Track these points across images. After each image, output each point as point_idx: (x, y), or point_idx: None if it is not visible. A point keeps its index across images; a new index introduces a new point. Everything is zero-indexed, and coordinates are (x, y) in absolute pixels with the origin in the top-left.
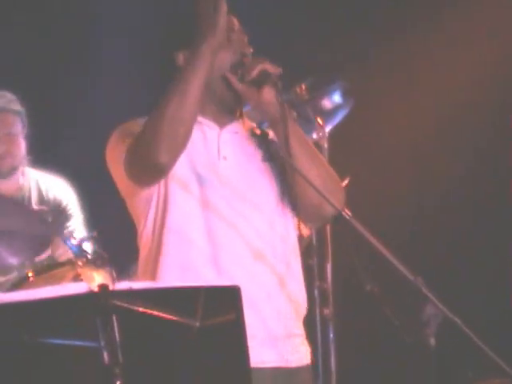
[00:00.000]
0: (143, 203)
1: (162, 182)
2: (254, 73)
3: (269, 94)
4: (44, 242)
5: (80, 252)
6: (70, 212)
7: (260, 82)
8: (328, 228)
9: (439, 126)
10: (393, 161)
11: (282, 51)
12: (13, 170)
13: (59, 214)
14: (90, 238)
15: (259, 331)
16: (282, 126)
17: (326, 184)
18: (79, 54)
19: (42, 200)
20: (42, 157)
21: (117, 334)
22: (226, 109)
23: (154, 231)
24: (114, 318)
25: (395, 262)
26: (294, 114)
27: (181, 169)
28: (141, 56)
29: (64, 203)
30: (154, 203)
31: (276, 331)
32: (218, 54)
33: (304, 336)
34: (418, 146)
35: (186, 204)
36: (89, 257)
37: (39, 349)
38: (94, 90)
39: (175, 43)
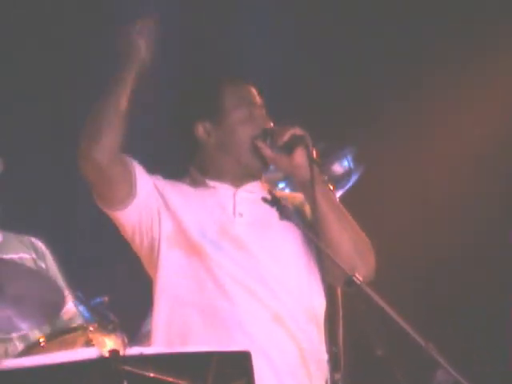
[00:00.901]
0: (145, 252)
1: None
2: (285, 137)
3: (300, 156)
4: (56, 308)
5: (91, 317)
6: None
7: (291, 145)
8: (339, 292)
9: (452, 189)
10: (404, 225)
11: (294, 115)
12: None
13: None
14: (100, 303)
15: None
16: (312, 189)
17: (357, 247)
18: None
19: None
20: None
21: None
22: (249, 175)
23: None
24: (125, 383)
25: (406, 327)
26: (325, 177)
27: (190, 235)
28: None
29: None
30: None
31: None
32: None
33: None
34: (430, 211)
35: (192, 268)
36: (100, 322)
37: None
38: None
39: (194, 114)
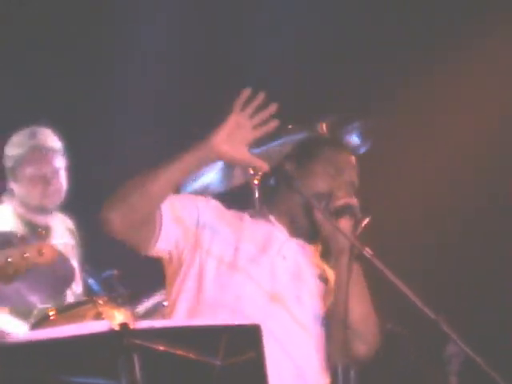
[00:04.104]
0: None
1: (199, 258)
2: (340, 203)
3: (345, 224)
4: (66, 281)
5: (101, 290)
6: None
7: (341, 212)
8: None
9: (458, 166)
10: (412, 199)
11: (307, 88)
12: (56, 206)
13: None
14: (110, 277)
15: None
16: (347, 258)
17: (365, 323)
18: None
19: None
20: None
21: (138, 373)
22: (297, 232)
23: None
24: (135, 356)
25: (417, 300)
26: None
27: (226, 252)
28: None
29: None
30: (187, 276)
31: None
32: (202, 165)
33: None
34: (437, 185)
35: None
36: (110, 295)
37: None
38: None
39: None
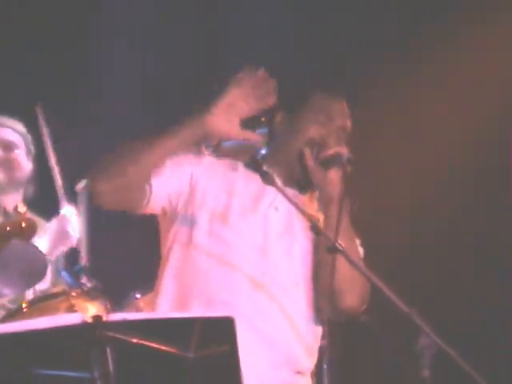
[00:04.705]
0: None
1: (191, 210)
2: (329, 152)
3: (335, 175)
4: (39, 274)
5: (74, 283)
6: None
7: (331, 162)
8: None
9: (440, 151)
10: (390, 189)
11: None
12: (12, 185)
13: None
14: (83, 269)
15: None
16: (336, 209)
17: (353, 277)
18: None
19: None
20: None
21: (111, 365)
22: (292, 179)
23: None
24: (108, 349)
25: (390, 293)
26: (352, 203)
27: (216, 200)
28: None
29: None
30: (180, 228)
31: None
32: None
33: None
34: (418, 174)
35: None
36: (83, 288)
37: (33, 380)
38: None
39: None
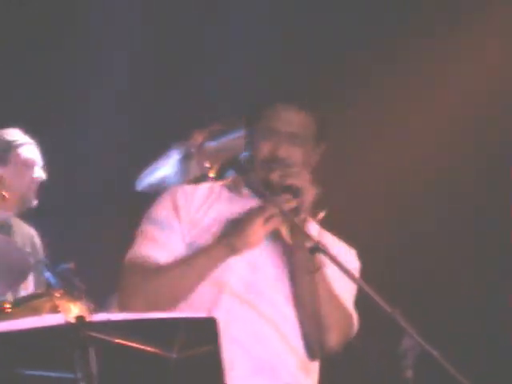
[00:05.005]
0: None
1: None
2: (278, 182)
3: (287, 206)
4: (22, 273)
5: (57, 283)
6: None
7: (283, 191)
8: None
9: (420, 159)
10: (371, 194)
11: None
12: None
13: (33, 245)
14: (67, 270)
15: None
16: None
17: (335, 316)
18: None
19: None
20: None
21: (94, 366)
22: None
23: None
24: (91, 349)
25: (373, 293)
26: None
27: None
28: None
29: (35, 235)
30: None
31: None
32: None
33: None
34: (397, 181)
35: None
36: (66, 288)
37: (15, 380)
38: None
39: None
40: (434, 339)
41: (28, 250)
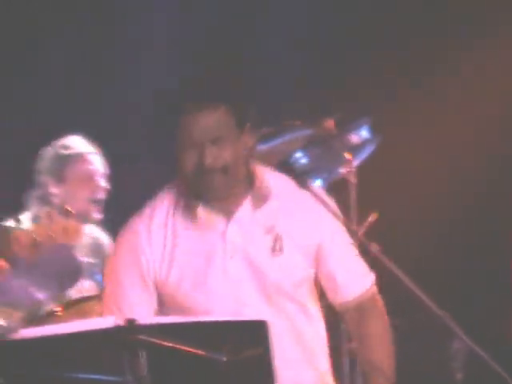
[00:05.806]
0: None
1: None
2: None
3: None
4: (73, 278)
5: None
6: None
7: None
8: None
9: (464, 160)
10: (420, 195)
11: (313, 86)
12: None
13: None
14: None
15: None
16: None
17: (388, 361)
18: None
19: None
20: None
21: (144, 369)
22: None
23: None
24: (141, 352)
25: (423, 297)
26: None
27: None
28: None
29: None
30: None
31: None
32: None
33: None
34: (445, 181)
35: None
36: None
37: (66, 383)
38: None
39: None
40: (484, 342)
41: (87, 254)
